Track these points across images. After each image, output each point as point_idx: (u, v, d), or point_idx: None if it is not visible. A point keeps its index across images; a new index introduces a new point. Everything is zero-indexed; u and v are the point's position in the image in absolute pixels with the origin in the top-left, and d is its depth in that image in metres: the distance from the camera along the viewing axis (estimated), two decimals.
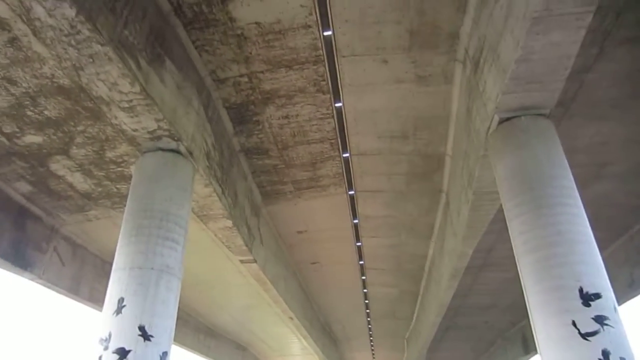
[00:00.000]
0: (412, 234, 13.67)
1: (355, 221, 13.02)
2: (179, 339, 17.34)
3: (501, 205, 6.45)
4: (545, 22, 4.65)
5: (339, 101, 8.63)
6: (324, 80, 8.07)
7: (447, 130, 9.31)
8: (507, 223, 6.00)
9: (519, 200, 5.73)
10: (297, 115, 8.85)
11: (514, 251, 5.83)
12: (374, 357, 31.59)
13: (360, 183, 11.21)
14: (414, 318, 22.18)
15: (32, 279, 11.18)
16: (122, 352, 5.36)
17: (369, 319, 22.75)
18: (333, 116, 8.96)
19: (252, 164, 10.27)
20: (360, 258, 15.54)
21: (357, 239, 14.15)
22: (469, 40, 6.94)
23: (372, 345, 28.16)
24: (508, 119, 6.00)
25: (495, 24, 5.63)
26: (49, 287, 11.86)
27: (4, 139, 8.38)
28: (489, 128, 6.28)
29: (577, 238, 5.22)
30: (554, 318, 4.99)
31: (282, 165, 10.34)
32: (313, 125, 9.15)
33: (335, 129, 9.31)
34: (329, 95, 8.44)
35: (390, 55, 7.60)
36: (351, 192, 11.59)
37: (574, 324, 4.79)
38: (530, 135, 5.88)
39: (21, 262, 10.39)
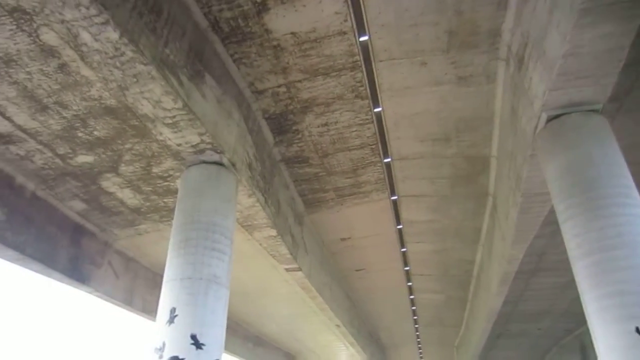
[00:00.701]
0: (458, 238, 13.33)
1: (399, 227, 12.84)
2: (229, 348, 17.58)
3: (552, 207, 6.17)
4: (594, 13, 4.43)
5: (378, 106, 8.56)
6: (362, 86, 8.02)
7: (492, 131, 9.03)
8: (560, 225, 5.72)
9: (572, 201, 5.46)
10: (336, 122, 8.83)
11: (569, 255, 5.55)
12: None
13: (403, 188, 11.05)
14: (463, 325, 21.59)
15: (89, 292, 11.67)
16: None
17: (416, 325, 22.32)
18: (373, 121, 8.89)
19: (294, 173, 10.32)
20: (406, 264, 15.29)
21: (402, 245, 13.94)
22: (512, 37, 6.72)
23: (420, 353, 27.59)
24: (557, 116, 5.75)
25: (540, 19, 5.42)
26: (105, 300, 12.34)
27: (58, 160, 8.79)
28: (536, 127, 6.04)
29: (639, 240, 4.90)
30: (616, 325, 4.69)
31: (323, 173, 10.34)
32: (353, 131, 9.11)
33: (375, 134, 9.23)
34: (367, 101, 8.38)
35: (429, 57, 7.47)
36: (394, 198, 11.44)
37: (637, 331, 4.49)
38: (581, 132, 5.60)
39: (79, 276, 10.86)
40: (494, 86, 7.95)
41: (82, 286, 11.12)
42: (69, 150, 8.58)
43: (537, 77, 5.73)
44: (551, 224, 8.60)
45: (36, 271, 10.33)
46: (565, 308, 17.01)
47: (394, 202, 11.66)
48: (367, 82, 7.96)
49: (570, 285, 14.56)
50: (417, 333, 23.58)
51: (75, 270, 10.73)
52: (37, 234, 9.77)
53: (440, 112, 8.67)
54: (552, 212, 6.62)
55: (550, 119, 5.80)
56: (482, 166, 10.10)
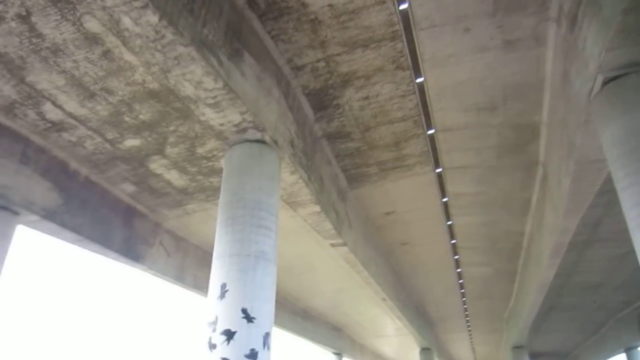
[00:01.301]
0: (506, 210, 12.95)
1: (445, 199, 12.60)
2: (278, 322, 18.06)
3: (609, 174, 5.84)
4: None
5: (420, 77, 8.31)
6: (402, 56, 7.79)
7: (541, 97, 8.62)
8: (618, 194, 5.42)
9: (632, 168, 5.13)
10: (377, 95, 8.67)
11: (628, 225, 5.26)
12: (470, 338, 30.73)
13: (448, 160, 10.79)
14: (513, 298, 21.18)
15: (144, 270, 12.22)
16: (229, 334, 5.68)
17: (464, 299, 22.09)
18: (415, 93, 8.66)
19: (335, 149, 10.27)
20: (452, 237, 15.06)
21: (448, 218, 13.71)
22: None
23: (468, 326, 27.37)
24: (614, 78, 5.38)
25: None
26: (158, 277, 12.89)
27: (108, 145, 9.11)
28: (591, 90, 5.68)
29: None
30: None
31: (365, 147, 10.23)
32: (394, 104, 8.92)
33: (417, 105, 9.00)
34: (409, 72, 8.15)
35: (473, 22, 7.14)
36: (438, 170, 11.21)
37: None
38: None
39: (133, 255, 11.37)
40: (544, 49, 7.53)
41: (137, 264, 11.65)
42: (117, 135, 8.86)
43: (592, 36, 5.36)
44: (607, 192, 8.21)
45: (94, 251, 10.88)
46: (622, 280, 16.34)
47: (439, 175, 11.43)
48: (407, 52, 7.72)
49: (628, 256, 13.97)
50: (465, 306, 23.35)
51: (130, 249, 11.23)
52: (92, 216, 10.24)
53: (486, 79, 8.32)
54: (608, 180, 6.28)
55: (607, 81, 5.44)
56: (531, 134, 9.69)
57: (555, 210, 9.63)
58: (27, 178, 8.87)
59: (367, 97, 8.71)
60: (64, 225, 9.57)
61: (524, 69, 7.99)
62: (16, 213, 8.97)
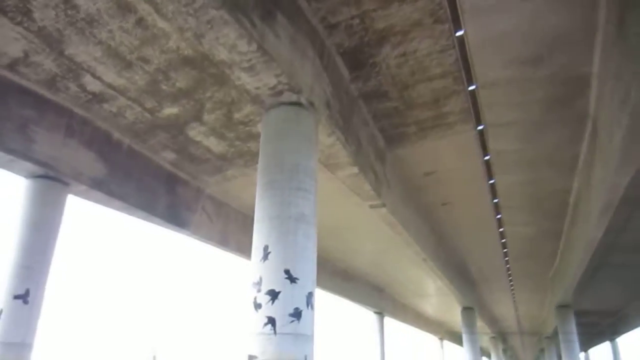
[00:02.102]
0: (552, 167, 12.46)
1: (487, 157, 12.23)
2: (319, 283, 18.39)
3: None
4: None
5: (460, 29, 7.92)
6: (441, 8, 7.42)
7: (592, 47, 8.07)
8: None
9: None
10: (415, 52, 8.35)
11: None
12: (513, 298, 30.46)
13: (490, 116, 10.39)
14: (558, 257, 20.69)
15: (188, 235, 12.63)
16: (273, 294, 5.83)
17: (506, 258, 21.76)
18: (454, 47, 8.28)
19: (373, 109, 10.07)
20: (494, 196, 14.70)
21: (490, 177, 13.35)
22: None
23: (511, 286, 27.07)
24: None
25: None
26: (202, 242, 13.31)
27: (147, 114, 9.27)
28: None
29: None
30: None
31: (403, 106, 9.97)
32: (433, 59, 8.58)
33: (457, 60, 8.62)
34: (448, 25, 7.77)
35: None
36: (480, 127, 10.83)
37: None
38: None
39: (177, 221, 11.74)
40: None
41: (181, 230, 12.04)
42: (156, 104, 8.99)
43: None
44: None
45: (141, 218, 11.30)
46: None
47: (480, 133, 11.05)
48: (446, 3, 7.35)
49: None
50: (508, 266, 23.03)
51: (174, 216, 11.59)
52: (136, 184, 10.58)
53: (530, 30, 7.84)
54: None
55: None
56: (580, 87, 9.15)
57: (606, 166, 9.17)
58: (73, 150, 9.20)
59: (404, 54, 8.41)
60: (111, 194, 9.94)
61: (572, 17, 7.46)
62: (66, 184, 9.36)
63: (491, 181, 13.63)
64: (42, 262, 9.01)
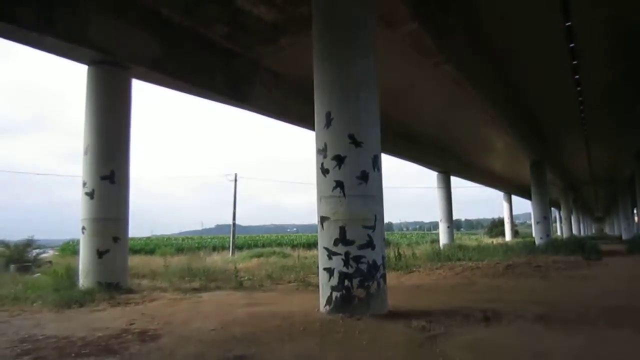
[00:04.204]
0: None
1: None
2: (384, 146, 18.48)
3: None
4: None
5: None
6: None
7: None
8: None
9: None
10: None
11: None
12: (587, 148, 29.21)
13: None
14: None
15: (248, 109, 12.83)
16: (339, 159, 5.95)
17: (581, 107, 20.41)
18: None
19: None
20: (571, 40, 13.28)
21: (567, 19, 11.93)
22: None
23: (585, 135, 25.74)
24: None
25: None
26: (263, 114, 13.51)
27: None
28: None
29: None
30: None
31: None
32: None
33: None
34: None
35: None
36: None
37: None
38: None
39: (237, 95, 11.87)
40: None
41: (241, 104, 12.24)
42: None
43: None
44: None
45: (200, 95, 11.54)
46: None
47: None
48: None
49: None
50: (582, 115, 21.69)
51: (232, 90, 11.71)
52: (193, 61, 10.59)
53: None
54: None
55: None
56: None
57: None
58: (126, 31, 9.18)
59: None
60: (170, 74, 10.08)
61: None
62: (126, 68, 9.54)
63: (568, 23, 12.21)
64: (119, 145, 9.63)
